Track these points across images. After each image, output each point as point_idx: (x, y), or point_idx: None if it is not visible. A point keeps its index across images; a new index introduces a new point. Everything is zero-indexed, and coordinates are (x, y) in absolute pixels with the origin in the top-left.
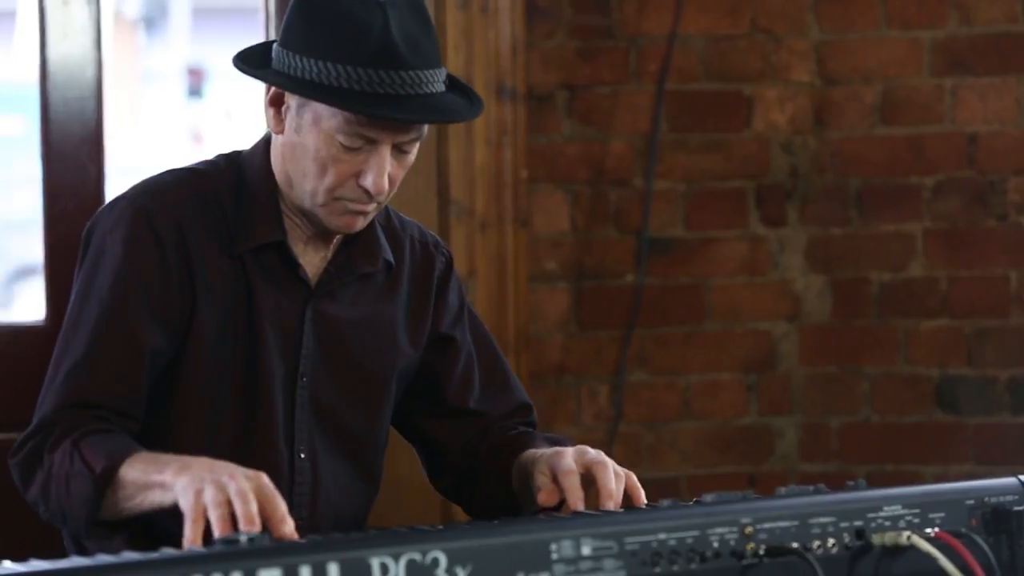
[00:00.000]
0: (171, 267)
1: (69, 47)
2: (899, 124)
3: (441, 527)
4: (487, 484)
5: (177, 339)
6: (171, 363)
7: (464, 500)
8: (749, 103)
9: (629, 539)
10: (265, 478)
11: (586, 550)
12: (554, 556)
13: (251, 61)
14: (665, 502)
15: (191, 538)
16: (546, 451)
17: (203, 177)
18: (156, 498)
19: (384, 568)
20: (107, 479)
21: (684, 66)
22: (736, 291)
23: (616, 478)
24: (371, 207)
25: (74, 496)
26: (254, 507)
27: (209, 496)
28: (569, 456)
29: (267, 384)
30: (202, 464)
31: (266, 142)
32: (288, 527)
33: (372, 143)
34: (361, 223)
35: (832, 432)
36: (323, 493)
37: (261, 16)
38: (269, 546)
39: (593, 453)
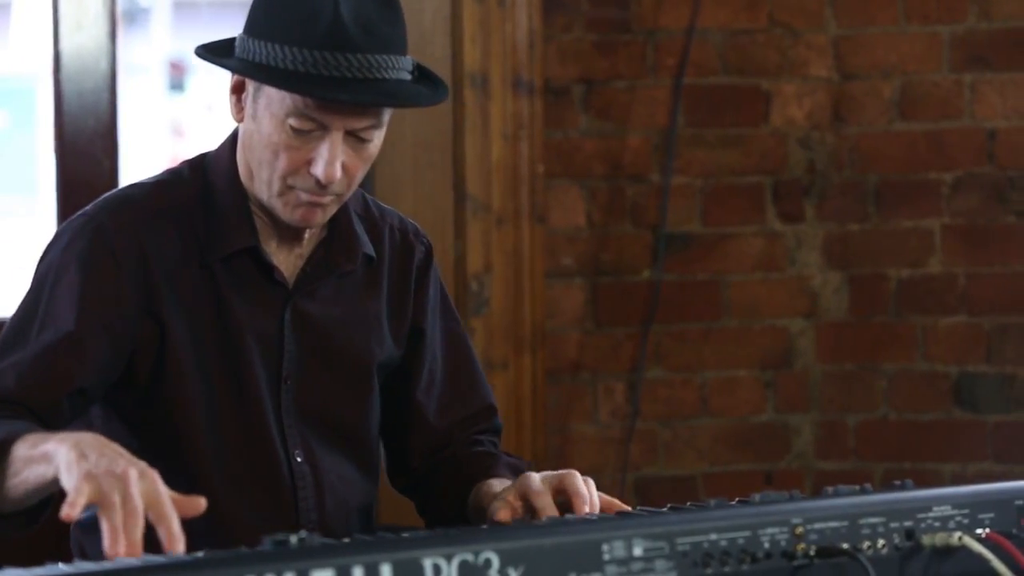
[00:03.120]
0: (127, 287)
1: (83, 39)
2: (917, 119)
3: (493, 527)
4: (442, 498)
5: (144, 360)
6: (152, 387)
7: (419, 503)
8: (767, 98)
9: (680, 539)
10: (160, 485)
11: (638, 551)
12: (606, 557)
13: (216, 51)
14: (712, 501)
15: (71, 501)
16: (507, 483)
17: (166, 189)
18: (40, 471)
19: (436, 568)
20: (1, 454)
21: (702, 60)
22: (753, 287)
23: (586, 483)
24: (327, 199)
25: None
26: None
27: (102, 494)
28: (536, 477)
29: (254, 393)
30: (90, 442)
31: (232, 140)
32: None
33: (323, 128)
34: (319, 217)
35: (849, 430)
36: (328, 492)
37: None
38: (321, 546)
39: (557, 472)
